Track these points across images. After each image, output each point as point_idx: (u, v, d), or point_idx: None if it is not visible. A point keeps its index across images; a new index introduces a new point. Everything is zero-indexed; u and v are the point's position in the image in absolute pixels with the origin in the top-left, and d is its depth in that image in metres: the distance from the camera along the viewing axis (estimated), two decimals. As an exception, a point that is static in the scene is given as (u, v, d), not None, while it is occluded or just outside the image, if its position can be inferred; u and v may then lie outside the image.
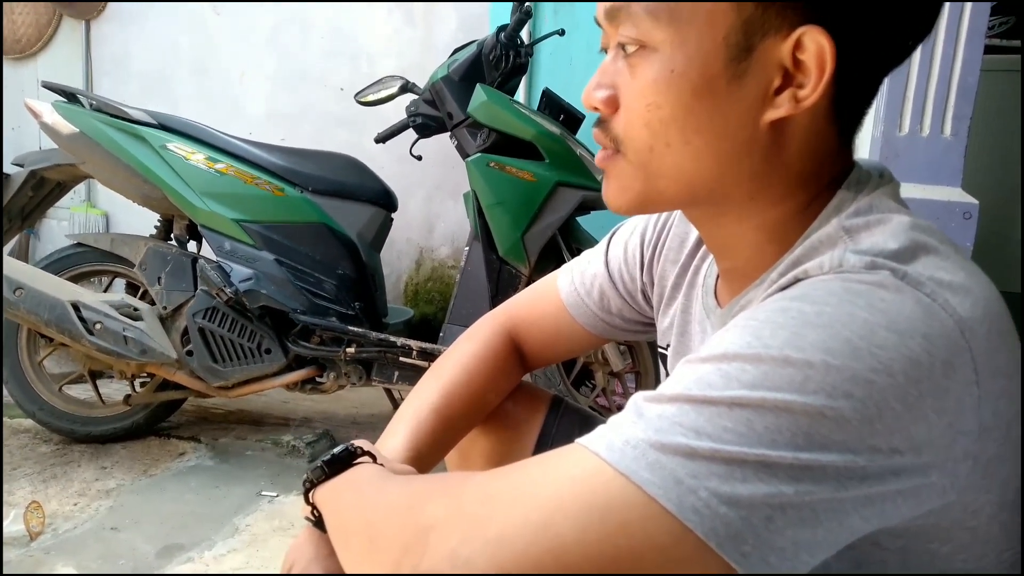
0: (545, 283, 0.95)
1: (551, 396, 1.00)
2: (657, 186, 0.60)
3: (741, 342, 0.49)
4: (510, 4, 2.21)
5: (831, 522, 0.47)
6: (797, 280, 0.54)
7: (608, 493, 0.47)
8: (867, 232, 0.55)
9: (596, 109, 0.62)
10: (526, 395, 0.98)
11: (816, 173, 0.60)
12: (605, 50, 0.63)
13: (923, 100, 1.86)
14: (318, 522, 0.71)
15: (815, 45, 0.54)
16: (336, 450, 0.70)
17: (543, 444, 0.95)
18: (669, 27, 0.55)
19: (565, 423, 0.97)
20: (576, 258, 0.94)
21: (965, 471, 0.50)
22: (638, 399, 0.51)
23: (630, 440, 0.48)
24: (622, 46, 0.59)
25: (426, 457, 0.81)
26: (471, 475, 0.54)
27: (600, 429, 0.51)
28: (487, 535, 0.48)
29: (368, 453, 0.71)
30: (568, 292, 0.91)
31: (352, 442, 0.72)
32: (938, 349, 0.48)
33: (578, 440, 0.51)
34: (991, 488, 0.53)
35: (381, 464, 0.70)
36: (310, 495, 0.70)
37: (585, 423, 0.97)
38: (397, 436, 0.81)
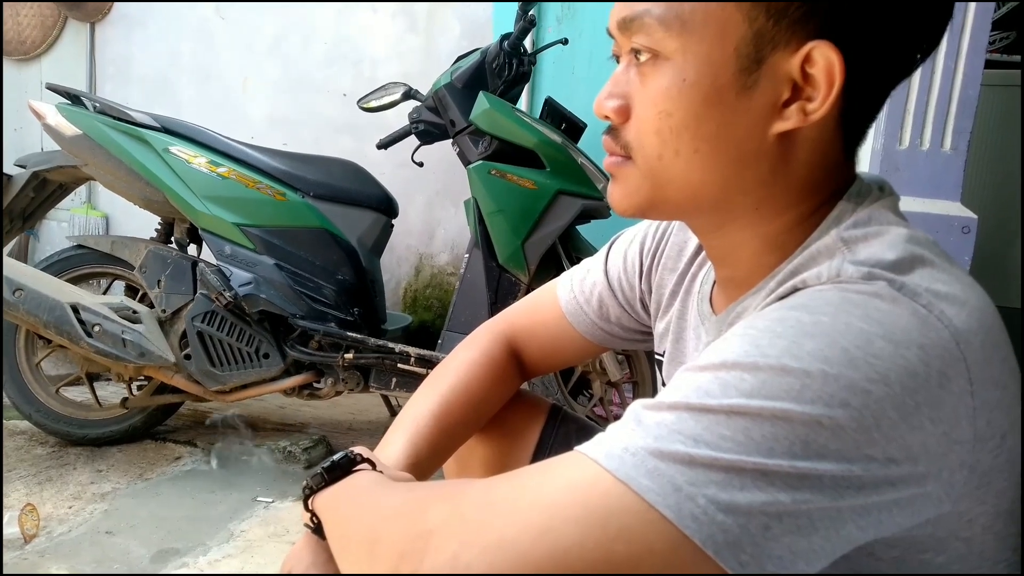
0: (544, 292, 0.95)
1: (549, 404, 1.00)
2: (664, 192, 0.61)
3: (739, 351, 0.50)
4: (513, 12, 2.22)
5: (827, 531, 0.47)
6: (796, 289, 0.55)
7: (607, 499, 0.47)
8: (864, 243, 0.56)
9: (607, 118, 0.62)
10: (524, 403, 0.98)
11: (820, 185, 0.61)
12: (616, 58, 0.64)
13: (924, 114, 1.87)
14: (317, 529, 0.71)
15: (824, 60, 0.54)
16: (336, 457, 0.70)
17: (541, 452, 0.95)
18: (681, 37, 0.56)
19: (563, 432, 0.97)
20: (575, 267, 0.94)
21: (960, 481, 0.51)
22: (637, 407, 0.51)
23: (629, 447, 0.48)
24: (635, 55, 0.60)
25: (424, 464, 0.81)
26: (471, 482, 0.55)
27: (599, 436, 0.51)
28: (486, 540, 0.48)
29: (368, 460, 0.71)
30: (567, 300, 0.91)
31: (351, 449, 0.72)
32: (933, 359, 0.48)
33: (577, 447, 0.51)
34: (986, 499, 0.53)
35: (380, 471, 0.70)
36: (309, 502, 0.70)
37: (583, 432, 0.97)
38: (395, 443, 0.82)
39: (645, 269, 0.84)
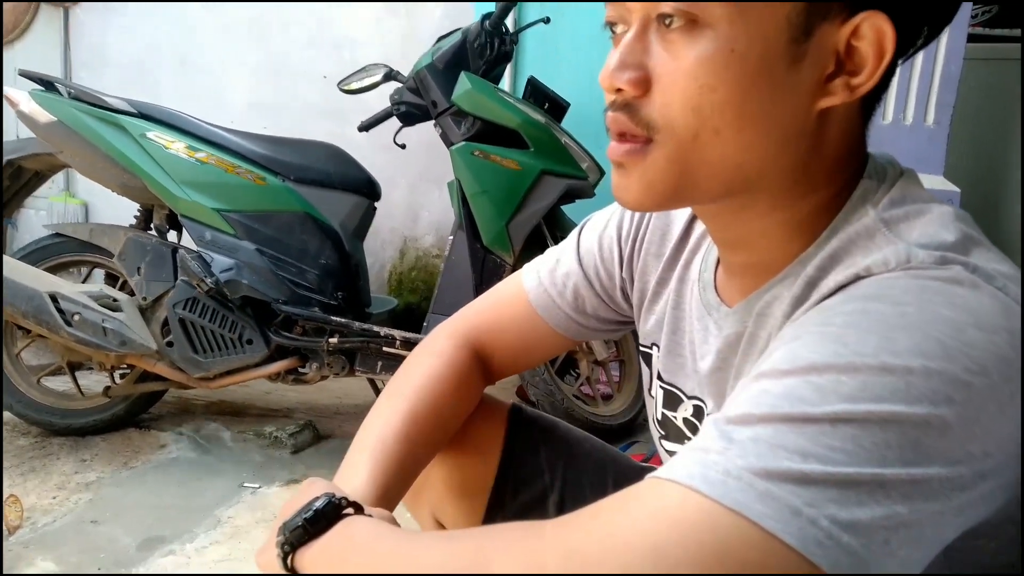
0: (507, 285, 0.88)
1: (508, 407, 0.93)
2: (695, 178, 0.55)
3: (827, 351, 0.46)
4: (494, -9, 2.19)
5: (933, 536, 0.45)
6: (859, 277, 0.52)
7: (718, 531, 0.43)
8: (906, 223, 0.54)
9: (620, 91, 0.55)
10: (483, 410, 0.89)
11: (846, 163, 0.58)
12: (611, 25, 0.58)
13: (907, 89, 1.87)
14: None
15: (875, 32, 0.52)
16: (318, 505, 0.62)
17: (508, 463, 0.89)
18: (728, 2, 0.51)
19: (526, 436, 0.91)
20: (540, 257, 0.88)
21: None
22: (719, 422, 0.47)
23: (730, 470, 0.44)
24: (662, 20, 0.53)
25: (393, 492, 0.73)
26: (535, 525, 0.50)
27: (683, 460, 0.47)
28: None
29: (352, 504, 0.63)
30: (537, 293, 0.84)
31: (331, 493, 0.63)
32: (1020, 344, 0.46)
33: (657, 474, 0.47)
34: None
35: (368, 515, 0.63)
36: (289, 560, 0.61)
37: (548, 432, 0.92)
38: (362, 468, 0.72)
39: (625, 256, 0.79)
